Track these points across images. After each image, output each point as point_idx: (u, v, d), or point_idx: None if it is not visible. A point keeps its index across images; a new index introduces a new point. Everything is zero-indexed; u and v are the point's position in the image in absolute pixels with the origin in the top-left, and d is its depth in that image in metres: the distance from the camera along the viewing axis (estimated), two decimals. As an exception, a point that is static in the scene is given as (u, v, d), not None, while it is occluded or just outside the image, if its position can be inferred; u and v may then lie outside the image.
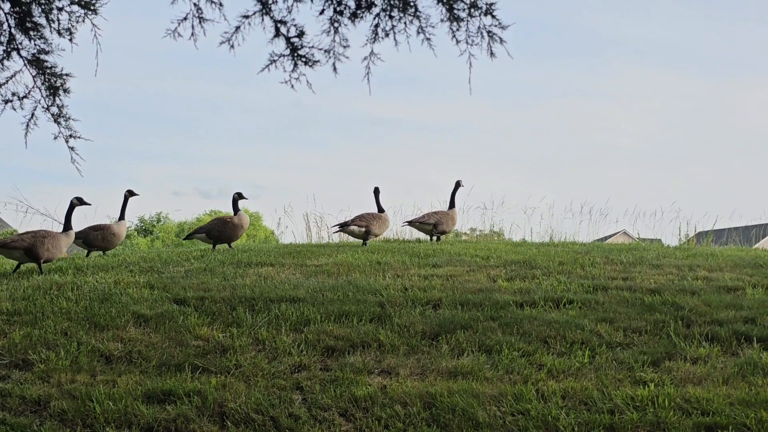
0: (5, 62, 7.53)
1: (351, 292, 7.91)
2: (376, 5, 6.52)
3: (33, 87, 7.65)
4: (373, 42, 6.62)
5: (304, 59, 6.83)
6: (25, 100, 7.67)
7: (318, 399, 5.52)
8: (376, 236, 12.52)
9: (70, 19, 7.29)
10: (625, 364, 6.02)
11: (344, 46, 6.77)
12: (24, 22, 7.21)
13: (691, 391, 5.43)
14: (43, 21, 7.28)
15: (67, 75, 7.62)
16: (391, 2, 6.48)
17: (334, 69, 6.82)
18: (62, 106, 7.67)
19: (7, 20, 7.30)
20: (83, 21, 7.34)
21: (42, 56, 7.50)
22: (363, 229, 12.22)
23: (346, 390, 5.61)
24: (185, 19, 7.03)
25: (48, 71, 7.53)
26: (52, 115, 7.68)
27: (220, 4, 6.96)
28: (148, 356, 6.29)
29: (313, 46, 6.81)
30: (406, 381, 5.77)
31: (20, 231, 12.11)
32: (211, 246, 12.10)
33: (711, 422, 5.05)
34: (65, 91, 7.66)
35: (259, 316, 7.15)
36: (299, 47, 6.81)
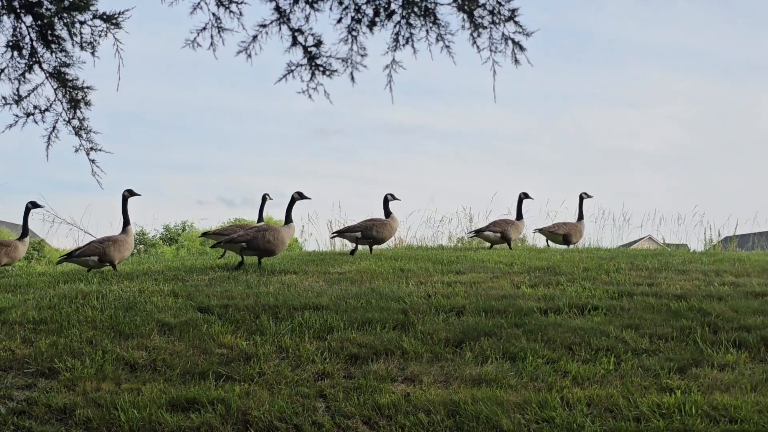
0: (27, 75, 7.60)
1: (374, 299, 7.90)
2: (395, 13, 6.50)
3: (54, 100, 7.72)
4: (394, 50, 6.61)
5: (321, 68, 6.83)
6: (46, 113, 7.73)
7: (341, 407, 5.51)
8: (511, 241, 12.78)
9: (92, 33, 7.34)
10: (651, 370, 5.96)
11: (362, 55, 6.76)
12: (45, 36, 7.28)
13: (719, 398, 5.36)
14: (64, 34, 7.34)
15: (88, 88, 7.68)
16: (411, 10, 6.46)
17: (352, 78, 6.81)
18: (83, 119, 7.73)
19: (29, 34, 7.38)
20: (105, 35, 7.40)
21: (63, 69, 7.56)
22: (498, 234, 12.55)
23: (369, 398, 5.60)
24: (204, 29, 7.07)
25: (69, 84, 7.60)
26: (74, 128, 7.74)
27: (240, 14, 6.99)
28: (173, 364, 6.32)
29: (330, 56, 6.81)
30: (429, 388, 5.75)
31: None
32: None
33: (739, 430, 4.99)
34: (86, 104, 7.71)
35: (282, 324, 7.16)
36: (317, 56, 6.82)
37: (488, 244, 13.24)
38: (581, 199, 13.60)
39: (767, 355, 6.27)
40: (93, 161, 7.93)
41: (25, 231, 10.97)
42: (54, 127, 7.78)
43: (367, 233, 11.54)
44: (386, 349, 6.53)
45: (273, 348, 6.63)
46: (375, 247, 12.21)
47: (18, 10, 7.27)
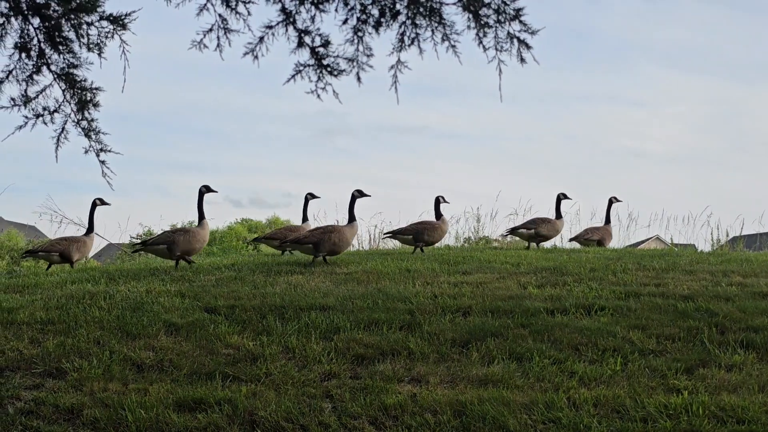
0: (35, 77, 7.62)
1: (380, 299, 7.90)
2: (401, 13, 6.50)
3: (63, 101, 7.73)
4: (400, 50, 6.60)
5: (329, 69, 6.83)
6: (55, 114, 7.74)
7: (348, 407, 5.51)
8: (546, 239, 13.04)
9: (99, 35, 7.35)
10: (658, 371, 5.94)
11: (368, 55, 6.76)
12: (53, 37, 7.29)
13: (726, 399, 5.35)
14: (72, 35, 7.35)
15: (96, 89, 7.69)
16: (416, 10, 6.46)
17: (358, 78, 6.81)
18: (92, 120, 7.73)
19: (37, 35, 7.40)
20: (112, 37, 7.41)
21: (71, 70, 7.58)
22: (531, 231, 12.83)
23: (375, 398, 5.61)
24: (210, 30, 7.08)
25: (77, 85, 7.61)
26: (83, 129, 7.75)
27: (248, 14, 6.99)
28: (179, 365, 6.33)
29: (338, 56, 6.81)
30: (436, 389, 5.75)
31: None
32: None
33: (746, 430, 4.98)
34: (95, 105, 7.72)
35: (289, 325, 7.17)
36: (324, 57, 6.82)
37: (525, 243, 13.55)
38: (610, 203, 13.90)
39: (775, 355, 6.25)
40: (103, 162, 7.94)
41: (91, 226, 11.60)
42: (63, 129, 7.79)
43: (419, 236, 11.76)
44: (393, 350, 6.53)
45: (279, 348, 6.64)
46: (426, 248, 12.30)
47: (26, 12, 7.29)
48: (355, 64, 6.79)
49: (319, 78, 6.86)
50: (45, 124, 7.74)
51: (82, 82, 7.62)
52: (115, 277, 9.68)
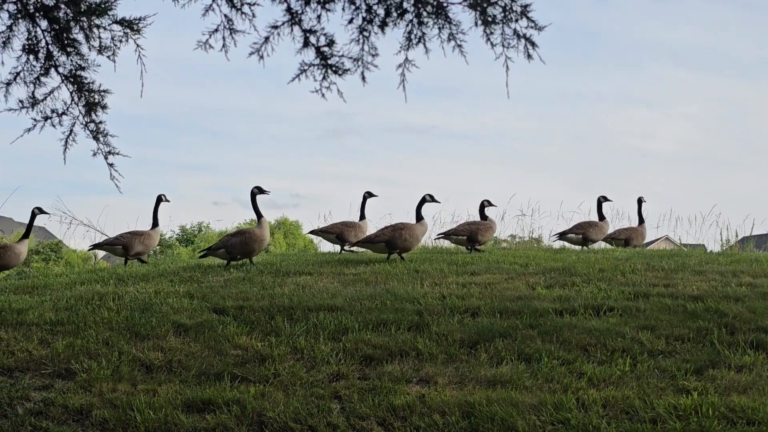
0: (43, 79, 7.64)
1: (389, 300, 7.90)
2: (407, 12, 6.50)
3: (71, 103, 7.76)
4: (407, 49, 6.60)
5: (333, 68, 6.83)
6: (63, 116, 7.77)
7: (356, 408, 5.51)
8: (593, 242, 13.25)
9: (112, 39, 7.37)
10: (668, 372, 5.92)
11: (373, 55, 6.76)
12: (61, 40, 7.31)
13: (736, 399, 5.32)
14: (80, 38, 7.37)
15: (104, 91, 7.71)
16: (423, 9, 6.46)
17: (363, 78, 6.82)
18: (100, 122, 7.76)
19: (45, 37, 7.42)
20: (126, 41, 7.41)
21: (79, 72, 7.60)
22: (580, 236, 13.11)
23: (384, 399, 5.60)
24: (216, 30, 7.09)
25: (85, 88, 7.63)
26: (90, 131, 7.77)
27: (253, 15, 7.00)
28: (188, 365, 6.34)
29: (342, 55, 6.81)
30: (444, 390, 5.74)
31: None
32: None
33: (757, 432, 4.95)
34: (103, 107, 7.74)
35: (297, 325, 7.17)
36: (329, 56, 6.82)
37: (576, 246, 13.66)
38: (639, 203, 14.04)
39: (785, 356, 6.22)
40: (111, 165, 7.96)
41: (155, 221, 12.05)
42: (71, 131, 7.82)
43: (473, 237, 12.03)
44: (401, 351, 6.53)
45: (288, 349, 6.64)
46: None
47: (33, 14, 7.32)
48: (360, 63, 6.79)
49: (324, 77, 6.86)
50: (53, 126, 7.77)
51: (90, 85, 7.64)
52: (124, 278, 9.71)
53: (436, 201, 11.14)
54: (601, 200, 13.59)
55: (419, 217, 10.94)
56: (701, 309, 7.32)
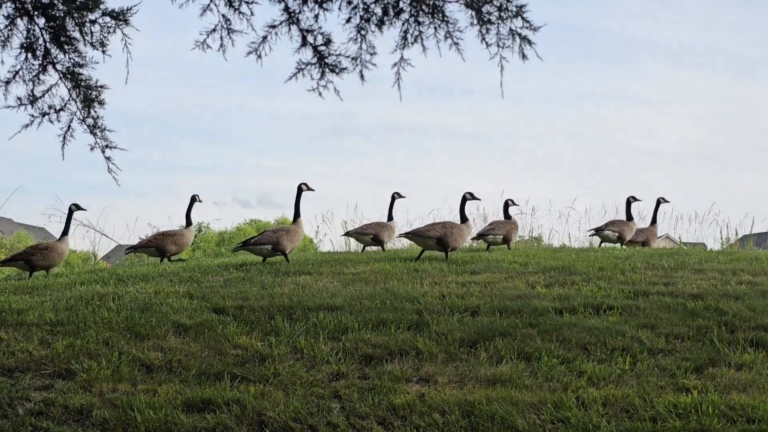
0: (41, 76, 7.67)
1: (388, 299, 7.90)
2: (404, 11, 6.52)
3: (69, 100, 7.78)
4: (403, 48, 6.62)
5: (331, 67, 6.85)
6: (61, 112, 7.80)
7: (356, 407, 5.52)
8: (626, 241, 13.26)
9: (102, 31, 7.40)
10: (668, 370, 5.93)
11: (371, 54, 6.78)
12: (59, 37, 7.33)
13: (736, 398, 5.33)
14: (77, 35, 7.41)
15: (101, 87, 7.75)
16: (419, 8, 6.47)
17: (362, 77, 6.84)
18: (97, 117, 7.80)
19: (42, 35, 7.44)
20: (114, 32, 7.46)
21: (77, 69, 7.63)
22: (616, 234, 13.12)
23: (384, 398, 5.61)
24: (214, 30, 7.10)
25: (83, 84, 7.66)
26: (88, 126, 7.81)
27: (251, 14, 7.01)
28: (188, 365, 6.35)
29: (340, 54, 6.83)
30: (444, 389, 5.75)
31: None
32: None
33: (757, 430, 4.96)
34: (100, 103, 7.77)
35: (297, 325, 7.17)
36: (326, 55, 6.84)
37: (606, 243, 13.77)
38: (658, 203, 14.06)
39: (785, 354, 6.22)
40: (109, 158, 7.99)
41: (188, 221, 12.44)
42: (69, 126, 7.85)
43: (508, 236, 12.28)
44: (401, 350, 6.53)
45: (288, 349, 6.65)
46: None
47: (31, 13, 7.33)
48: (358, 62, 6.81)
49: (321, 76, 6.88)
50: (51, 122, 7.81)
51: (88, 81, 7.67)
52: (124, 279, 9.71)
53: (477, 198, 11.16)
54: (630, 200, 13.63)
55: (464, 218, 10.99)
56: (701, 307, 7.32)
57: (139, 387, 5.97)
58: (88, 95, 7.65)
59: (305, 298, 8.07)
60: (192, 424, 5.38)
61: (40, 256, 10.55)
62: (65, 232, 11.12)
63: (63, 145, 7.88)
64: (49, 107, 7.76)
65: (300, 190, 11.03)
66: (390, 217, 12.71)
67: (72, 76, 7.62)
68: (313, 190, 11.08)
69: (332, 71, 6.83)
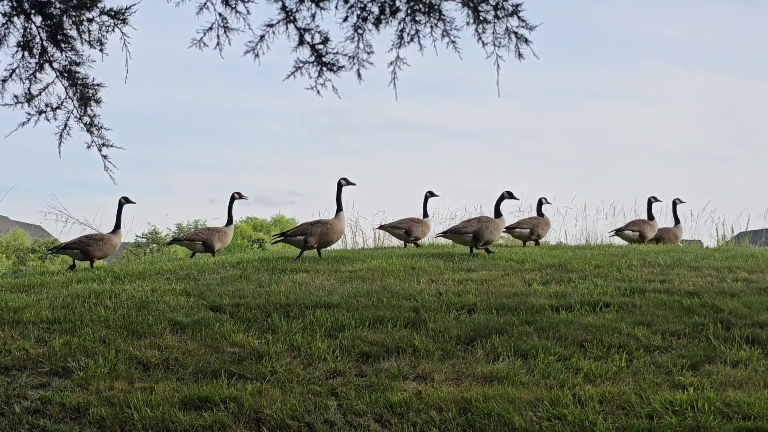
0: (38, 74, 7.68)
1: (385, 297, 7.90)
2: (401, 10, 6.53)
3: (65, 98, 7.80)
4: (399, 47, 6.64)
5: (328, 66, 6.87)
6: (58, 110, 7.82)
7: (353, 405, 5.52)
8: (647, 240, 13.38)
9: (100, 30, 7.41)
10: (664, 367, 5.94)
11: (368, 52, 6.81)
12: (55, 35, 7.34)
13: (732, 395, 5.35)
14: (74, 33, 7.42)
15: (98, 85, 7.75)
16: (416, 7, 6.49)
17: (359, 75, 6.86)
18: (94, 115, 7.81)
19: (39, 34, 7.44)
20: (113, 30, 7.46)
21: (73, 68, 7.64)
22: (636, 233, 13.31)
23: (381, 396, 5.61)
24: (210, 29, 7.11)
25: (79, 82, 7.66)
26: (85, 124, 7.82)
27: (248, 12, 7.01)
28: (185, 363, 6.35)
29: (337, 52, 6.85)
30: (441, 386, 5.76)
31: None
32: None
33: (752, 427, 4.97)
34: (96, 101, 7.78)
35: (294, 323, 7.18)
36: (324, 54, 6.85)
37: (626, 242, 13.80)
38: (674, 204, 14.13)
39: (781, 351, 6.24)
40: (105, 157, 8.00)
41: (230, 219, 12.58)
42: (66, 125, 7.86)
43: (536, 231, 12.54)
44: (398, 347, 6.54)
45: (285, 346, 6.65)
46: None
47: (28, 11, 7.33)
48: (355, 61, 6.83)
49: (319, 74, 6.90)
50: (48, 120, 7.82)
51: (84, 79, 7.67)
52: (121, 277, 9.70)
53: (515, 198, 11.33)
54: (652, 200, 13.77)
55: (498, 214, 11.12)
56: (697, 304, 7.34)
57: (136, 385, 5.97)
58: (84, 93, 7.65)
59: (302, 295, 8.08)
60: (189, 422, 5.39)
61: (97, 246, 10.88)
62: (118, 226, 11.36)
63: (60, 144, 7.90)
64: (46, 105, 7.77)
65: (340, 185, 11.16)
66: (425, 214, 12.94)
67: (69, 75, 7.63)
68: (354, 184, 11.24)
69: (330, 70, 6.85)
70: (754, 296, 7.61)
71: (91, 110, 7.76)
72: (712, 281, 8.42)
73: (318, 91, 6.95)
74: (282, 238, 10.94)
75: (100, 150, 7.94)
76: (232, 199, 12.64)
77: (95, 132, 7.84)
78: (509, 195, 11.33)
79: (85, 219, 17.28)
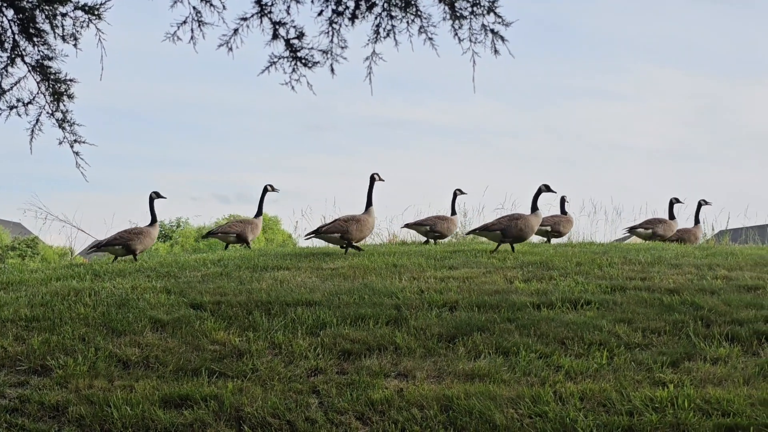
0: (9, 69, 7.61)
1: (367, 295, 7.89)
2: (376, 5, 6.52)
3: (37, 93, 7.73)
4: (375, 42, 6.63)
5: (303, 61, 6.85)
6: (29, 106, 7.76)
7: (334, 403, 5.51)
8: (661, 238, 13.38)
9: (74, 25, 7.35)
10: (644, 365, 5.97)
11: (342, 47, 6.79)
12: (28, 29, 7.27)
13: (712, 392, 5.38)
14: (47, 27, 7.36)
15: (71, 81, 7.69)
16: (392, 2, 6.48)
17: (332, 70, 6.85)
18: (66, 111, 7.75)
19: (11, 27, 7.37)
20: (87, 26, 7.40)
21: (46, 62, 7.57)
22: (649, 231, 13.32)
23: (362, 393, 5.60)
24: (185, 22, 7.07)
25: (52, 77, 7.60)
26: (57, 120, 7.76)
27: (223, 7, 6.98)
28: (165, 361, 6.31)
29: (312, 47, 6.83)
30: (422, 384, 5.75)
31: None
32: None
33: (732, 423, 5.00)
34: (69, 96, 7.72)
35: (275, 320, 7.15)
36: (298, 49, 6.83)
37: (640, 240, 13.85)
38: (699, 205, 14.16)
39: (760, 348, 6.29)
40: (77, 153, 7.94)
41: (260, 210, 12.84)
42: (37, 120, 7.80)
43: (556, 228, 12.90)
44: (379, 345, 6.53)
45: (266, 344, 6.63)
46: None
47: (0, 4, 7.25)
48: (329, 55, 6.81)
49: (293, 70, 6.87)
50: (19, 115, 7.75)
51: (57, 74, 7.61)
52: (101, 274, 9.63)
53: (553, 191, 11.21)
54: (673, 201, 13.83)
55: (534, 208, 11.02)
56: (677, 302, 7.38)
57: (115, 383, 5.92)
58: (57, 89, 7.59)
59: (283, 293, 8.05)
60: (169, 420, 5.35)
61: (138, 240, 10.97)
62: (154, 220, 11.38)
63: (31, 139, 7.84)
64: (17, 100, 7.71)
65: (372, 180, 11.19)
66: (453, 212, 13.12)
67: (41, 69, 7.56)
68: (383, 180, 11.24)
69: (305, 65, 6.83)
70: (734, 294, 7.67)
71: (64, 106, 7.71)
72: (692, 279, 8.47)
73: (293, 87, 6.94)
74: (314, 234, 10.92)
75: (72, 146, 7.88)
76: (265, 190, 12.84)
77: (67, 128, 7.79)
78: (546, 188, 11.11)
79: (65, 216, 17.19)
